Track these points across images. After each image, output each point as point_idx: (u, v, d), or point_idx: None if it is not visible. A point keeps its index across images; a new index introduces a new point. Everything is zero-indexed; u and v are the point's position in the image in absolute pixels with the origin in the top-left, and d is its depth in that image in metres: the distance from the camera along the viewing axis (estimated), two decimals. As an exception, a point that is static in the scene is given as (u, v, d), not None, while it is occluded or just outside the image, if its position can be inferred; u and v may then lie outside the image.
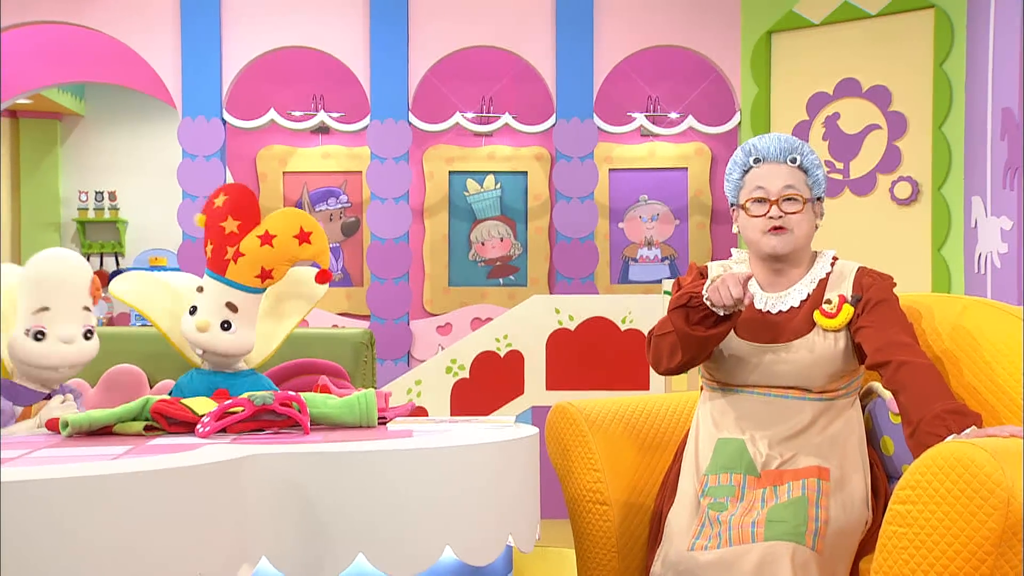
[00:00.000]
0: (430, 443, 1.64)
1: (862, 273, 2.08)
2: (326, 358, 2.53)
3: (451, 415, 4.53)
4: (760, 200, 2.05)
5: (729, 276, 1.92)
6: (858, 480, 1.96)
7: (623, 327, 4.43)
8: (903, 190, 4.83)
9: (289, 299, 2.22)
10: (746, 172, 2.10)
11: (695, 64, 5.58)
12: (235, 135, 5.68)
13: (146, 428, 1.75)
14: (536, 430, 1.89)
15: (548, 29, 5.34)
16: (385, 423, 1.95)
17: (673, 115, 5.75)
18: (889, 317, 1.98)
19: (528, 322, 4.53)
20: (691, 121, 5.53)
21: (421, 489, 1.58)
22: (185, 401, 1.79)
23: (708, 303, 1.94)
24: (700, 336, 1.97)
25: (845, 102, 4.99)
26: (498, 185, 6.14)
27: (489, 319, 5.55)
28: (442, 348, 5.39)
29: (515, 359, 4.54)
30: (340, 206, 6.15)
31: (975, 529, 1.57)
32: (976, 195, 4.47)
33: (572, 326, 4.51)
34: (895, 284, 2.06)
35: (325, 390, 2.03)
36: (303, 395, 1.85)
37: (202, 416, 1.74)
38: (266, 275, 2.09)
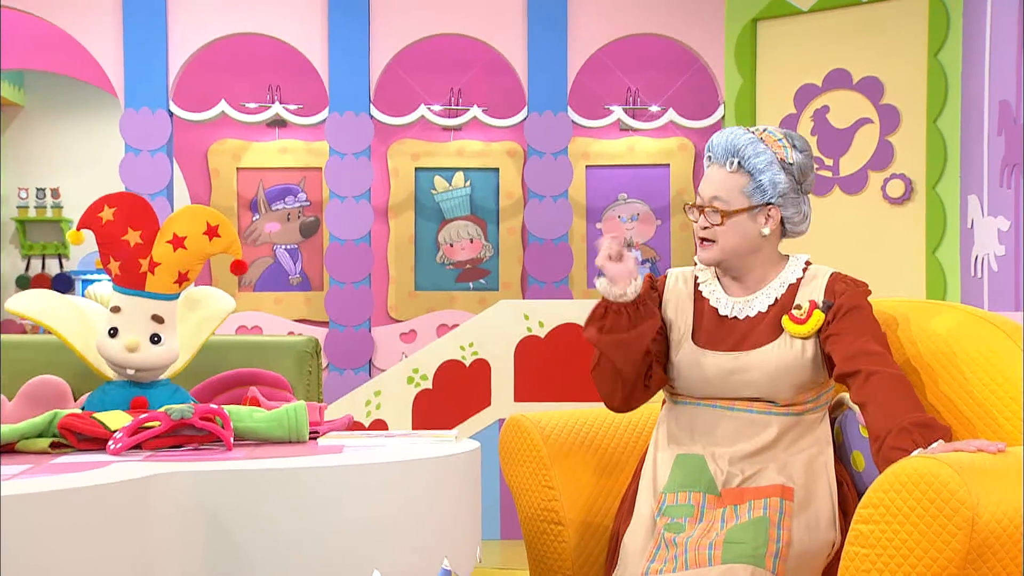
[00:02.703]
0: (359, 459, 1.64)
1: (835, 279, 2.07)
2: (267, 368, 2.52)
3: (412, 428, 4.52)
4: (693, 206, 2.07)
5: (604, 245, 2.01)
6: (824, 499, 1.97)
7: (597, 334, 4.42)
8: (896, 188, 4.85)
9: (204, 305, 2.22)
10: (707, 168, 2.11)
11: (676, 54, 5.60)
12: (183, 128, 5.66)
13: (53, 445, 1.73)
14: (477, 444, 1.89)
15: (519, 16, 5.34)
16: (317, 438, 1.94)
17: (654, 108, 5.76)
18: (860, 326, 1.98)
19: (495, 329, 4.52)
20: (672, 115, 5.54)
21: (347, 509, 1.58)
22: (97, 415, 1.78)
23: (605, 291, 1.99)
24: (624, 340, 2.00)
25: (835, 94, 5.01)
26: (467, 183, 6.14)
27: (457, 326, 5.54)
28: (406, 356, 5.38)
29: (481, 368, 4.53)
30: (298, 205, 6.14)
31: (939, 550, 1.57)
32: (973, 194, 4.49)
33: (542, 333, 4.50)
34: (869, 291, 2.06)
35: (254, 402, 2.02)
36: (228, 408, 1.85)
37: (114, 432, 1.72)
38: (183, 278, 2.13)
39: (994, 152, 4.28)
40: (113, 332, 2.08)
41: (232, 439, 1.81)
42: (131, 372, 2.09)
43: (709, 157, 2.08)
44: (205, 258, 2.15)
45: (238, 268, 2.16)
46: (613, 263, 2.01)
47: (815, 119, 5.05)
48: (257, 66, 5.80)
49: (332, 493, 1.58)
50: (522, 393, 4.51)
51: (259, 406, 1.99)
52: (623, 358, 2.03)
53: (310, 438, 1.94)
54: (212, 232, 2.13)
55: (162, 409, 1.76)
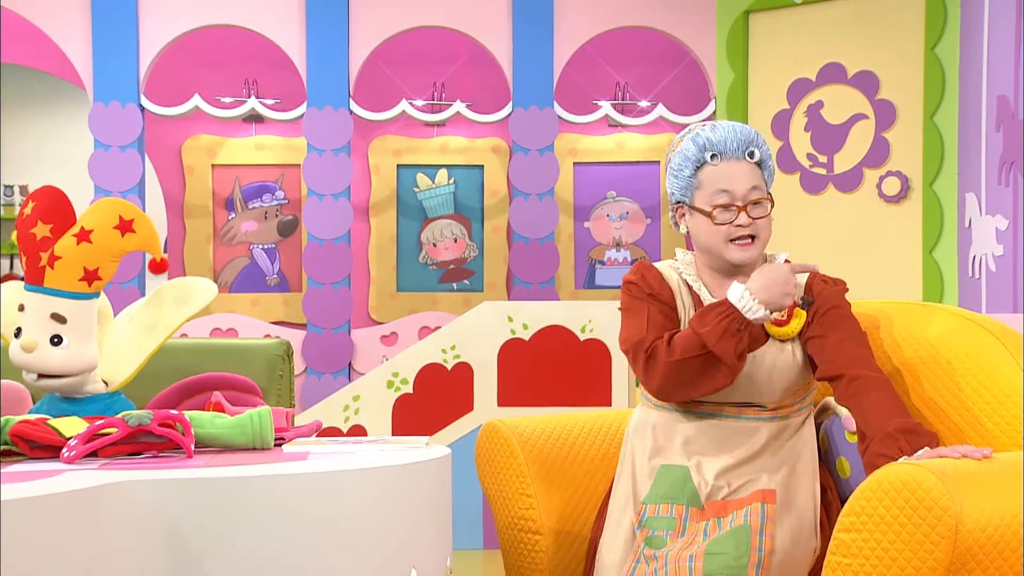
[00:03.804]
0: (322, 467, 1.63)
1: (813, 277, 2.08)
2: (237, 372, 2.51)
3: (392, 434, 4.51)
4: (726, 206, 2.01)
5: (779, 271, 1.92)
6: (807, 505, 1.97)
7: (583, 336, 4.43)
8: (892, 186, 4.86)
9: (164, 307, 2.19)
10: (699, 168, 2.04)
11: (666, 47, 5.60)
12: (155, 123, 5.64)
13: (4, 453, 1.72)
14: (448, 451, 1.88)
15: (504, 8, 5.34)
16: (282, 444, 1.93)
17: (643, 103, 5.76)
18: (841, 326, 1.99)
19: (478, 331, 4.52)
20: (662, 110, 5.54)
21: (309, 518, 1.57)
22: (51, 422, 1.77)
23: (763, 311, 1.90)
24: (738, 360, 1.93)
25: (829, 89, 5.02)
26: (451, 180, 6.13)
27: (439, 328, 5.54)
28: (386, 360, 5.37)
29: (463, 372, 4.53)
30: (276, 203, 6.12)
31: (922, 559, 1.58)
32: (970, 191, 4.50)
33: (526, 336, 4.50)
34: (847, 290, 2.07)
35: (218, 408, 2.01)
36: (189, 414, 1.84)
37: (69, 439, 1.72)
38: (91, 276, 2.05)
39: (992, 149, 4.29)
40: (18, 332, 2.05)
41: (193, 446, 1.80)
42: (32, 377, 2.04)
43: (715, 155, 2.02)
44: (118, 255, 2.05)
45: (157, 268, 2.11)
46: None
47: (808, 114, 5.06)
48: (232, 59, 5.79)
49: (293, 502, 1.57)
50: (506, 398, 4.51)
51: (223, 411, 1.98)
52: (718, 377, 1.96)
53: (276, 445, 1.93)
54: (125, 227, 2.06)
55: (120, 415, 1.75)
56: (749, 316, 1.90)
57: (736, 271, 2.07)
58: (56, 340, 2.02)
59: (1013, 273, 4.10)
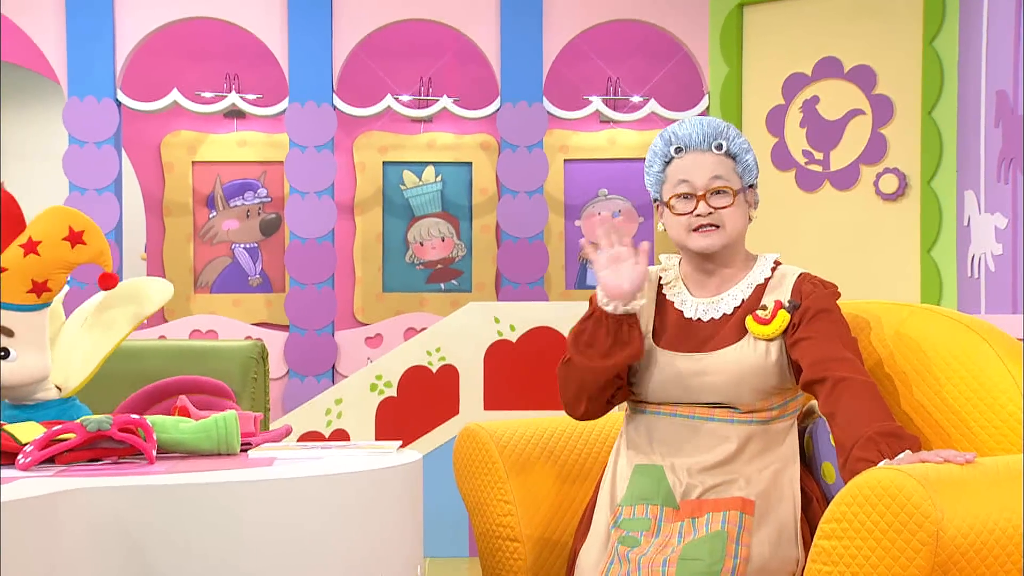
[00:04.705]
0: (285, 473, 1.63)
1: (803, 279, 2.08)
2: (209, 375, 2.50)
3: (376, 438, 4.51)
4: (686, 196, 2.06)
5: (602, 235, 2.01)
6: (787, 514, 1.97)
7: (571, 338, 4.43)
8: (889, 183, 4.86)
9: (117, 309, 2.18)
10: (667, 163, 2.11)
11: (659, 41, 5.59)
12: (133, 119, 5.63)
13: (-41, 459, 1.72)
14: (419, 456, 1.88)
15: (492, 0, 5.33)
16: (248, 450, 1.93)
17: (635, 99, 5.76)
18: (828, 329, 1.99)
19: (464, 333, 4.52)
20: (654, 105, 5.54)
21: (272, 526, 1.57)
22: (7, 427, 1.76)
23: (603, 302, 1.99)
24: (596, 368, 2.03)
25: (825, 84, 5.02)
26: (439, 177, 6.13)
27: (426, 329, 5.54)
28: (371, 362, 5.37)
29: (449, 374, 4.53)
30: (258, 201, 6.12)
31: (903, 567, 1.58)
32: (969, 189, 4.50)
33: (513, 337, 4.50)
34: (839, 293, 2.07)
35: (183, 412, 2.00)
36: (152, 419, 1.83)
37: (24, 445, 1.71)
38: (40, 288, 2.02)
39: (991, 145, 4.29)
40: None
41: (155, 452, 1.79)
42: None
43: (678, 148, 2.08)
44: (67, 267, 2.02)
45: (106, 281, 2.08)
46: (610, 263, 2.01)
47: (804, 110, 5.06)
48: (212, 52, 5.77)
49: (255, 509, 1.57)
50: (492, 401, 4.51)
51: (188, 416, 1.98)
52: (591, 380, 2.06)
53: (242, 450, 1.93)
54: (75, 238, 2.03)
55: (79, 420, 1.74)
56: (605, 308, 2.01)
57: (713, 262, 2.08)
58: (3, 354, 2.00)
59: (1013, 273, 4.10)
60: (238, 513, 1.55)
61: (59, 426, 1.74)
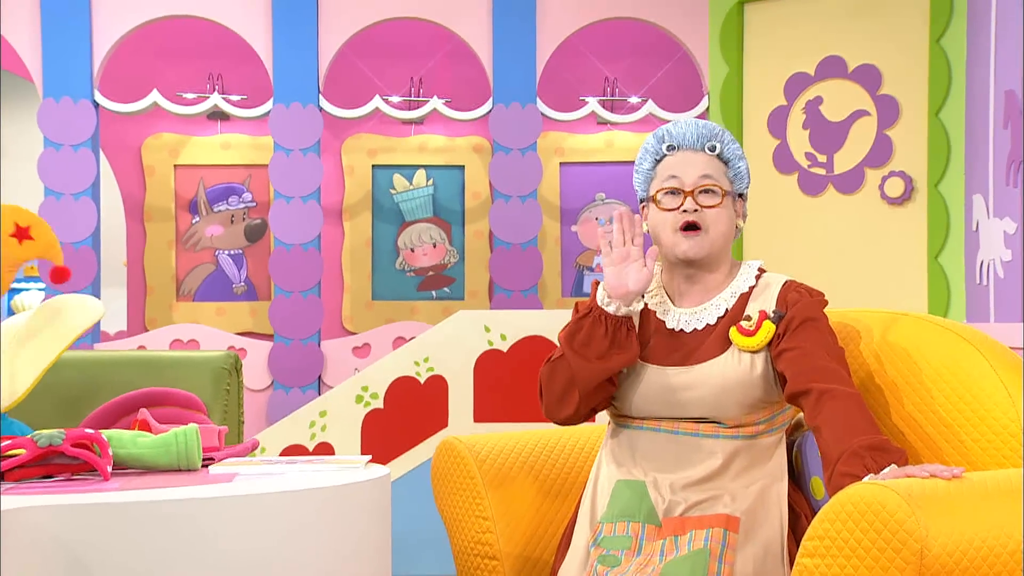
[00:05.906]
0: (244, 489, 1.62)
1: (788, 287, 2.08)
2: (180, 387, 2.50)
3: (361, 452, 4.50)
4: (673, 191, 2.07)
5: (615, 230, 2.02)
6: (773, 532, 1.96)
7: (564, 348, 4.42)
8: (895, 187, 4.85)
9: (48, 325, 2.16)
10: (658, 161, 2.13)
11: (657, 40, 5.59)
12: (112, 121, 5.63)
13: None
14: (387, 471, 1.87)
15: (484, -3, 5.34)
16: (210, 465, 1.92)
17: (633, 99, 5.76)
18: (814, 339, 1.98)
19: (453, 342, 4.51)
20: (652, 106, 5.53)
21: (228, 544, 1.56)
22: (-44, 441, 1.75)
23: (604, 301, 1.98)
24: (604, 367, 2.00)
25: (828, 84, 5.01)
26: (430, 181, 6.13)
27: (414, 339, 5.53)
28: (358, 372, 5.36)
29: (437, 386, 4.52)
30: (243, 206, 6.11)
31: (887, 587, 1.56)
32: (978, 193, 4.49)
33: (504, 347, 4.49)
34: (826, 302, 2.06)
35: (144, 426, 2.00)
36: (108, 433, 1.82)
37: (-28, 459, 1.70)
38: None
39: (1000, 147, 4.28)
40: None
41: (112, 468, 1.78)
42: None
43: (670, 146, 2.10)
44: (15, 264, 2.02)
45: (58, 276, 2.08)
46: (618, 262, 2.03)
47: (807, 111, 5.05)
48: (194, 52, 5.78)
49: (211, 526, 1.55)
50: (482, 413, 4.50)
51: (148, 430, 1.97)
52: (585, 378, 2.04)
53: (204, 465, 1.92)
54: (22, 234, 2.02)
55: (30, 435, 1.73)
56: (606, 308, 2.02)
57: (695, 268, 2.08)
58: None
59: (1022, 280, 4.09)
60: (193, 531, 1.54)
61: (8, 442, 1.73)
